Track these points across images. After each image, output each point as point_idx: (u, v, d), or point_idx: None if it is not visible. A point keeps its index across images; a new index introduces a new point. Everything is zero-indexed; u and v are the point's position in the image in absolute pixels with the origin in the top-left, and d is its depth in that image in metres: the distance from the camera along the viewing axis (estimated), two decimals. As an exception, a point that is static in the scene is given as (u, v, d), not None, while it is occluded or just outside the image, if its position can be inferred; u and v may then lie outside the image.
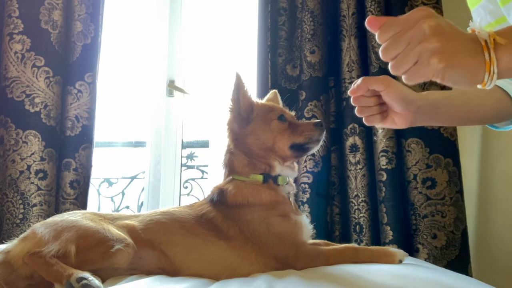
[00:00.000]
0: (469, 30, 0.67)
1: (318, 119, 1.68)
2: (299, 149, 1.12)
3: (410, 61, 0.63)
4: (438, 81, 0.64)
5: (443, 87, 1.66)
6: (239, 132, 1.13)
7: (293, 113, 1.20)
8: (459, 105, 1.00)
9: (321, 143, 1.13)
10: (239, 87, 1.13)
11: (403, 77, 0.66)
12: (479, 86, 0.65)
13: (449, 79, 0.63)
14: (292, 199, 1.13)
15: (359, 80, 0.88)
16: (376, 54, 1.67)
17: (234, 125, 1.14)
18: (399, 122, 0.93)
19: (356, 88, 0.89)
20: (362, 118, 0.94)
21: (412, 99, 0.92)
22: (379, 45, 1.81)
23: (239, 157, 1.11)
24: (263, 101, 1.24)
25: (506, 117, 1.02)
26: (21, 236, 0.95)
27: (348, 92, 0.91)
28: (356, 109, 0.92)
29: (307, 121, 1.15)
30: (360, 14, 1.75)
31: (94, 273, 0.87)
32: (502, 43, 0.62)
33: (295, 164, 1.18)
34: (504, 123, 1.04)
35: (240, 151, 1.12)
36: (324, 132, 1.13)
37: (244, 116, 1.13)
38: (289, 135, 1.11)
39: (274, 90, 1.30)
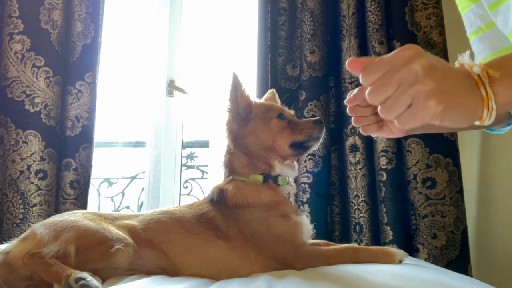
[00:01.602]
0: (457, 64, 0.63)
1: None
2: (299, 147, 1.11)
3: (403, 105, 0.58)
4: (436, 123, 0.59)
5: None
6: (238, 132, 1.12)
7: (292, 112, 1.19)
8: None
9: (321, 140, 1.12)
10: (236, 87, 1.13)
11: (395, 122, 0.60)
12: (477, 123, 0.61)
13: (449, 120, 0.59)
14: (292, 199, 1.13)
15: (355, 90, 0.89)
16: (376, 54, 1.67)
17: (233, 125, 1.14)
18: (395, 131, 0.94)
19: (352, 98, 0.90)
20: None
21: None
22: (380, 45, 1.82)
23: (239, 157, 1.11)
24: (262, 100, 1.24)
25: (501, 120, 1.03)
26: (21, 236, 0.95)
27: (344, 102, 0.92)
28: (352, 119, 0.93)
29: (306, 119, 1.15)
30: (360, 14, 1.74)
31: (94, 273, 0.87)
32: (496, 76, 0.58)
33: (295, 163, 1.17)
34: (499, 126, 1.05)
35: (240, 151, 1.11)
36: (324, 130, 1.12)
37: (242, 116, 1.12)
38: (288, 133, 1.10)
39: (272, 90, 1.29)
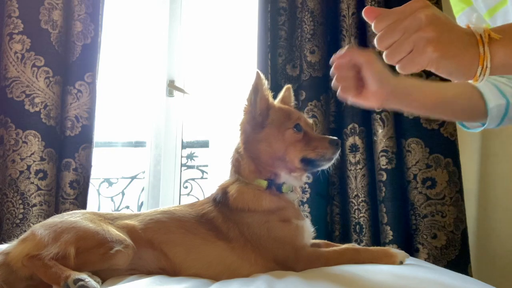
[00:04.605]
0: (464, 26, 0.67)
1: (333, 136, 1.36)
2: (309, 164, 1.07)
3: (405, 50, 0.63)
4: (433, 70, 0.64)
5: (444, 79, 1.66)
6: (251, 135, 1.09)
7: (311, 121, 1.14)
8: (432, 93, 1.01)
9: (333, 161, 1.07)
10: (257, 88, 1.08)
11: (397, 67, 0.65)
12: (470, 81, 0.65)
13: (444, 69, 0.64)
14: (296, 204, 1.11)
15: (345, 49, 0.91)
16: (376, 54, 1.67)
17: (247, 127, 1.10)
18: (372, 99, 0.94)
19: (341, 55, 0.91)
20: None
21: (388, 80, 0.94)
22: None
23: (246, 161, 1.08)
24: (279, 98, 1.19)
25: (477, 116, 1.04)
26: (21, 237, 0.95)
27: (332, 59, 0.91)
28: (334, 77, 0.93)
29: (323, 135, 1.08)
30: (360, 14, 1.73)
31: (94, 273, 0.87)
32: (496, 38, 0.62)
33: (303, 175, 1.13)
34: (476, 125, 1.06)
35: (248, 156, 1.08)
36: (339, 151, 1.06)
37: (258, 120, 1.08)
38: (301, 147, 1.05)
39: (288, 86, 1.23)
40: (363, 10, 0.67)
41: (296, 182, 1.11)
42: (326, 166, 1.08)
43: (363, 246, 1.54)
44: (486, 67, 0.62)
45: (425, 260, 1.54)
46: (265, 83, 1.09)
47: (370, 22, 0.67)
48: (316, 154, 1.05)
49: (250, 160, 1.08)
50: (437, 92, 1.02)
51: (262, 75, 1.08)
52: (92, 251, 0.89)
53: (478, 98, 0.99)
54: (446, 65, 0.63)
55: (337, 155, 1.06)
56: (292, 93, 1.23)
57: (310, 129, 1.11)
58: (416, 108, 1.11)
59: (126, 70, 2.23)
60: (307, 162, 1.06)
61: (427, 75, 1.66)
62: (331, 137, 1.07)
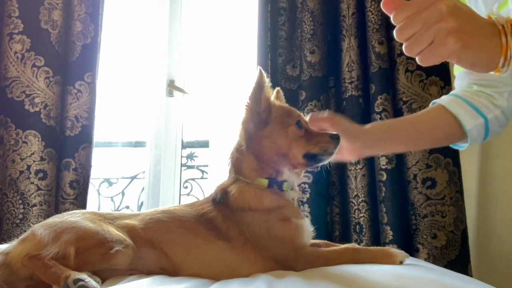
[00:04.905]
0: (485, 16, 0.66)
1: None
2: (312, 159, 1.08)
3: (426, 41, 0.61)
4: (454, 61, 0.63)
5: (443, 87, 1.66)
6: (254, 133, 1.08)
7: (307, 118, 1.15)
8: (409, 130, 1.04)
9: (334, 155, 1.08)
10: (261, 85, 1.08)
11: (417, 59, 0.64)
12: (492, 73, 0.64)
13: (465, 60, 0.62)
14: (296, 203, 1.12)
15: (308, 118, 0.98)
16: (376, 54, 1.67)
17: (249, 125, 1.09)
18: (347, 155, 1.02)
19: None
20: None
21: (356, 134, 1.01)
22: (380, 45, 1.84)
23: (248, 159, 1.08)
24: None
25: (456, 140, 1.07)
26: (21, 237, 0.95)
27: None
28: None
29: (323, 131, 1.09)
30: (360, 14, 1.74)
31: (94, 273, 0.87)
32: None
33: (303, 171, 1.15)
34: (461, 142, 1.09)
35: (251, 153, 1.08)
36: (339, 145, 1.07)
37: (262, 117, 1.08)
38: (304, 143, 1.06)
39: (278, 88, 1.24)
40: (382, 2, 0.66)
41: (297, 179, 1.12)
42: (327, 160, 1.09)
43: (363, 246, 1.54)
44: (510, 57, 0.61)
45: (425, 260, 1.54)
46: (267, 81, 1.10)
47: (388, 14, 0.65)
48: (319, 149, 1.06)
49: (253, 158, 1.08)
50: (411, 129, 1.05)
51: (264, 73, 1.09)
52: (92, 251, 0.88)
53: (455, 123, 1.01)
54: (468, 55, 0.62)
55: (337, 149, 1.07)
56: (282, 95, 1.24)
57: (308, 126, 1.12)
58: (394, 149, 1.15)
59: (126, 70, 2.23)
60: (310, 157, 1.07)
61: (427, 74, 1.67)
62: (330, 132, 1.08)
